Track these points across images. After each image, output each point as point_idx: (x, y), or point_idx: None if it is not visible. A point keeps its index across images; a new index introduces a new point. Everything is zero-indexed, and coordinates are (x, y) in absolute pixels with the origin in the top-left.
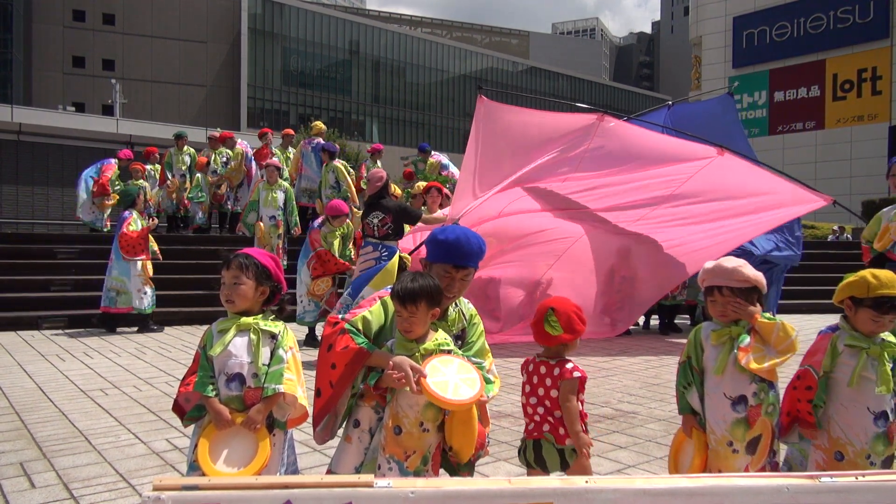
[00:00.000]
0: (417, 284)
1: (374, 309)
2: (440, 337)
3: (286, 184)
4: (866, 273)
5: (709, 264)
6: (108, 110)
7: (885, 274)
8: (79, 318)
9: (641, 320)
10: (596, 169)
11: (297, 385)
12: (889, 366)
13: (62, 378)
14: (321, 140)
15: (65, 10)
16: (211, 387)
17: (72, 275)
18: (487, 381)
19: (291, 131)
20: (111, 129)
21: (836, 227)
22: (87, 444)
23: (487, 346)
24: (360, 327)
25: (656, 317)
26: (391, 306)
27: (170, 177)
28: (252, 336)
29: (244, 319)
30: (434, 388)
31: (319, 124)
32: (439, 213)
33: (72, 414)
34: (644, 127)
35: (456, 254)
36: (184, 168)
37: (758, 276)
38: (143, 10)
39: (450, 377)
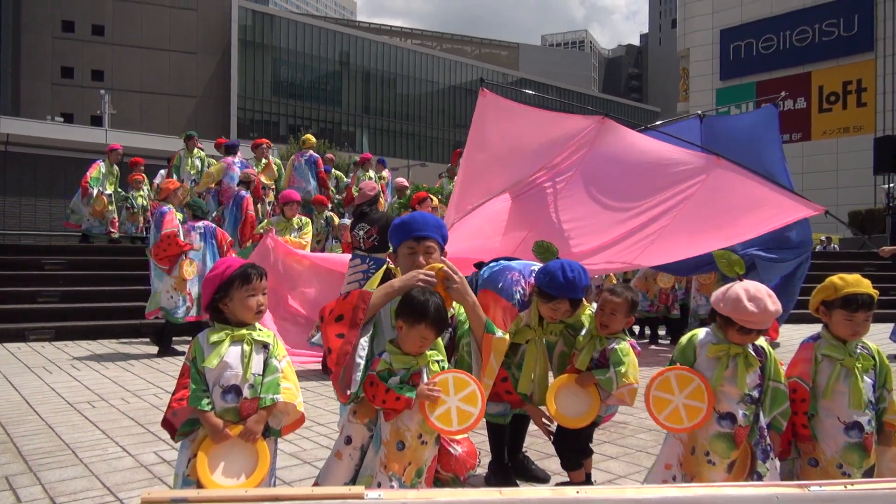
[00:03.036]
0: (444, 307)
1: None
2: None
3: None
4: (833, 277)
5: (752, 306)
6: (96, 121)
7: (851, 276)
8: (66, 330)
9: (647, 331)
10: (593, 176)
11: (295, 392)
12: (862, 380)
13: (48, 390)
14: (313, 153)
15: (54, 21)
16: (206, 400)
17: (59, 286)
18: (490, 331)
19: (264, 141)
20: (100, 139)
21: (823, 238)
22: (73, 458)
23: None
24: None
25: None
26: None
27: (182, 182)
28: (245, 346)
29: (238, 331)
30: (438, 423)
31: (311, 137)
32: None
33: (58, 427)
34: (651, 136)
35: (412, 227)
36: (193, 173)
37: None
38: (132, 21)
39: (451, 402)
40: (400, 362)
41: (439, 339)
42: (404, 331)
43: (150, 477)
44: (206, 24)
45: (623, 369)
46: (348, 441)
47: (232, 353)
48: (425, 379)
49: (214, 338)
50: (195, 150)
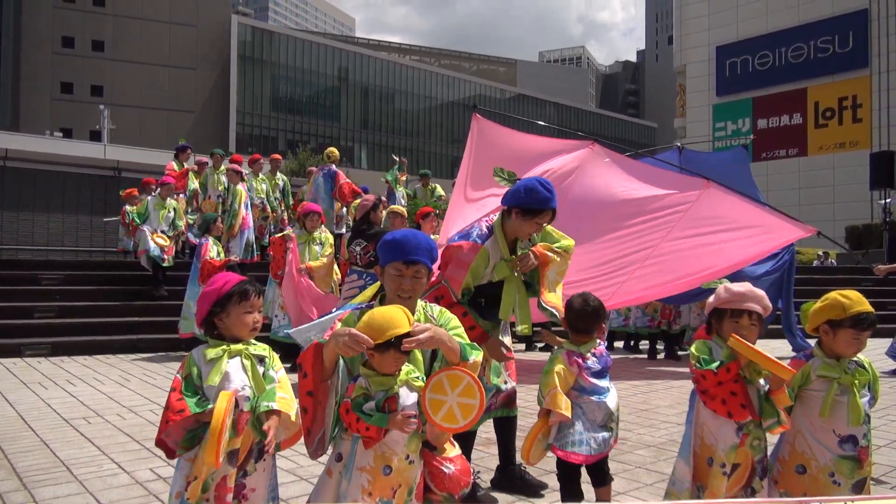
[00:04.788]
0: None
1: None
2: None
3: (327, 234)
4: (835, 294)
5: (737, 286)
6: (95, 136)
7: (852, 293)
8: (62, 346)
9: (645, 346)
10: (583, 199)
11: (291, 403)
12: (860, 396)
13: (44, 406)
14: (334, 167)
15: (54, 37)
16: (205, 403)
17: (56, 301)
18: (465, 358)
19: (276, 156)
20: (98, 154)
21: (820, 253)
22: (68, 475)
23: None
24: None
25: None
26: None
27: (208, 198)
28: (245, 361)
29: (234, 346)
30: (444, 423)
31: (334, 151)
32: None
33: (54, 443)
34: (640, 161)
35: (403, 249)
36: (221, 188)
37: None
38: (132, 37)
39: (450, 400)
40: (377, 385)
41: (418, 353)
42: (376, 358)
43: (146, 494)
44: (206, 39)
45: (544, 379)
46: (339, 458)
47: (232, 366)
48: (402, 402)
49: (212, 354)
50: (221, 167)
